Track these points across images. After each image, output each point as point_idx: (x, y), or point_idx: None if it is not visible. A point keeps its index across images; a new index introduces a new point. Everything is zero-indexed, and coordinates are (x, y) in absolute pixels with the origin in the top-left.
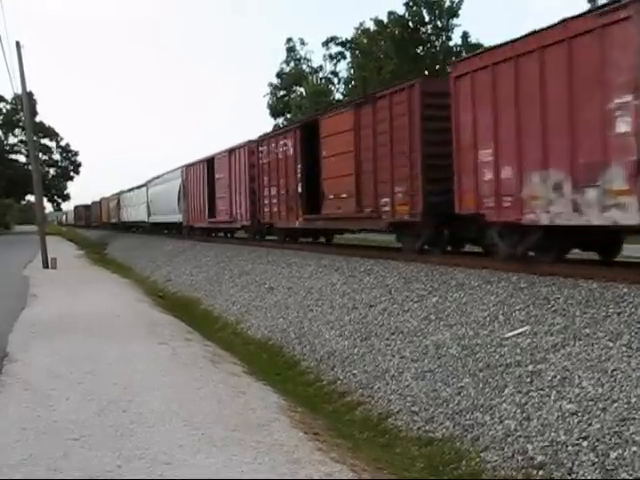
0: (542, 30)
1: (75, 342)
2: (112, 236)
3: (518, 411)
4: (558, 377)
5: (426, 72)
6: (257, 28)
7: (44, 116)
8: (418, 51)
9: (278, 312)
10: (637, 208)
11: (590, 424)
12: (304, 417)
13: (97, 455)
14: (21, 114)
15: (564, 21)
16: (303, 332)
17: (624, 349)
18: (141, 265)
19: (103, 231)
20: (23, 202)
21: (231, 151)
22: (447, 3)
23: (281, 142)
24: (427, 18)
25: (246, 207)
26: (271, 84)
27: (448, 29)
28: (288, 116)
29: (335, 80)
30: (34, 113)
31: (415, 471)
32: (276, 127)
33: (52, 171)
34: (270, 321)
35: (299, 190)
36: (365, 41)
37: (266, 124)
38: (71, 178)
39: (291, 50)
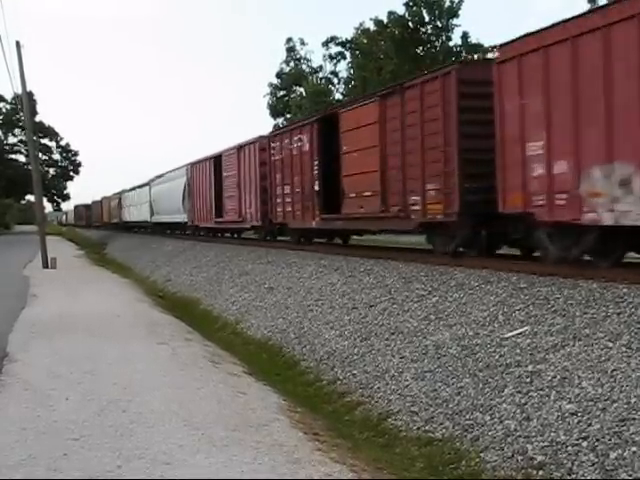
0: (606, 6)
1: (75, 342)
2: (112, 236)
3: (518, 411)
4: (558, 377)
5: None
6: (257, 28)
7: (44, 116)
8: (418, 51)
9: (278, 312)
10: None
11: (590, 424)
12: (304, 417)
13: (97, 455)
14: (21, 114)
15: None
16: (303, 332)
17: (624, 349)
18: (141, 265)
19: (104, 231)
20: (23, 202)
21: (240, 148)
22: (447, 3)
23: (295, 137)
24: (427, 18)
25: (257, 206)
26: (271, 84)
27: (448, 29)
28: (288, 116)
29: (335, 80)
30: (34, 113)
31: (415, 471)
32: (276, 127)
33: (52, 171)
34: (270, 321)
35: (316, 188)
36: (365, 41)
37: (266, 124)
38: (71, 178)
39: (291, 50)
